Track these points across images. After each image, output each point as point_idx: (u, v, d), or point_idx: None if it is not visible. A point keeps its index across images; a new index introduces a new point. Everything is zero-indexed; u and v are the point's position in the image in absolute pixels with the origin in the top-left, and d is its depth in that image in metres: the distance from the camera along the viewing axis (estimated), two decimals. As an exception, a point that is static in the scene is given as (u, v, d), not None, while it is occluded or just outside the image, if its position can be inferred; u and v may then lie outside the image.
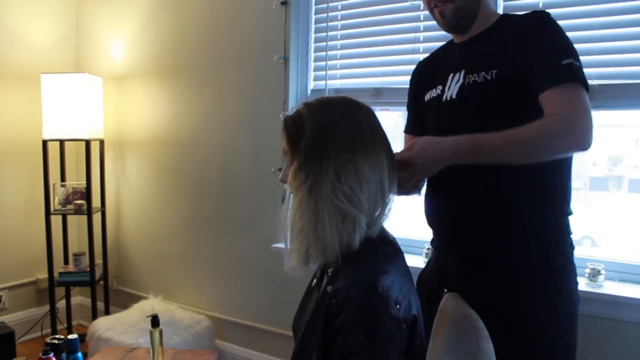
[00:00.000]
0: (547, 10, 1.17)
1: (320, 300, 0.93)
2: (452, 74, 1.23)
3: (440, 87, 1.26)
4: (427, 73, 1.37)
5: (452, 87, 1.22)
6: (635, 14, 1.56)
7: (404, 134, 1.46)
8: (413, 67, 1.62)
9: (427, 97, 1.31)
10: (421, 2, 1.92)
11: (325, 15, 2.16)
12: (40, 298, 2.87)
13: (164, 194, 2.72)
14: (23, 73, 2.74)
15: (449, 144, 1.04)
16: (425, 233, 2.04)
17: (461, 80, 1.20)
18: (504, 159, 1.04)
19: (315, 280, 1.08)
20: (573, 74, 1.06)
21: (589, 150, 1.04)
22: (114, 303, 2.85)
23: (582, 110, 1.03)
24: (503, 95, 1.12)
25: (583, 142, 1.02)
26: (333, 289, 0.88)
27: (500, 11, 1.75)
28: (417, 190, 1.18)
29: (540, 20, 1.14)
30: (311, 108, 0.96)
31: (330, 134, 0.91)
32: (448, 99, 1.22)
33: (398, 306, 0.84)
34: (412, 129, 1.41)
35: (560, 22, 1.73)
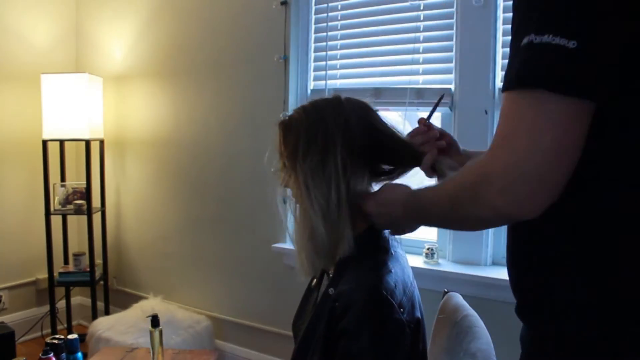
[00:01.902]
0: None
1: (321, 302, 0.93)
2: None
3: None
4: None
5: None
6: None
7: None
8: (413, 67, 1.62)
9: None
10: (421, 2, 1.93)
11: (325, 15, 2.16)
12: (40, 298, 2.87)
13: (164, 194, 2.72)
14: (23, 73, 2.74)
15: (400, 197, 0.85)
16: (425, 233, 2.05)
17: None
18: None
19: (315, 280, 1.08)
20: (522, 70, 0.55)
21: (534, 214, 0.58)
22: (114, 303, 2.85)
23: (512, 145, 0.56)
24: None
25: (503, 206, 0.58)
26: (336, 292, 0.88)
27: (500, 12, 1.75)
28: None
29: None
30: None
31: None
32: None
33: (402, 310, 0.84)
34: None
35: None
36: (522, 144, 0.55)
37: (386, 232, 0.98)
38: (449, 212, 0.70)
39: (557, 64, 0.52)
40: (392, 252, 0.94)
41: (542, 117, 0.53)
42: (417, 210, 0.81)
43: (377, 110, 0.99)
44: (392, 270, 0.88)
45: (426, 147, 0.95)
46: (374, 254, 0.92)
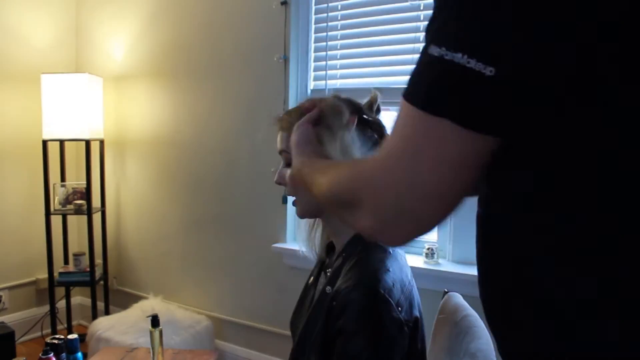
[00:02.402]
0: None
1: (319, 300, 0.93)
2: None
3: None
4: None
5: None
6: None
7: None
8: (413, 67, 1.61)
9: None
10: (421, 2, 1.93)
11: (325, 15, 2.16)
12: (40, 298, 2.87)
13: (164, 194, 2.72)
14: (23, 73, 2.74)
15: (298, 142, 0.88)
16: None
17: None
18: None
19: (312, 278, 1.08)
20: (431, 91, 0.47)
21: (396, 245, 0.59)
22: (114, 303, 2.85)
23: (397, 166, 0.49)
24: None
25: (367, 227, 0.54)
26: (333, 291, 0.88)
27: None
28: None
29: None
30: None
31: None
32: None
33: (400, 308, 0.84)
34: None
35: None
36: (408, 170, 0.48)
37: None
38: (326, 199, 0.65)
39: (470, 94, 0.44)
40: (390, 250, 0.94)
41: (440, 148, 0.46)
42: (306, 172, 0.75)
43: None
44: (390, 269, 0.88)
45: None
46: (372, 253, 0.92)
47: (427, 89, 0.47)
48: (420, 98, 0.47)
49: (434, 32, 0.47)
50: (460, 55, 0.43)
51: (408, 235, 0.52)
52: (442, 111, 0.45)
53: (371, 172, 0.53)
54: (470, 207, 1.84)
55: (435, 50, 0.45)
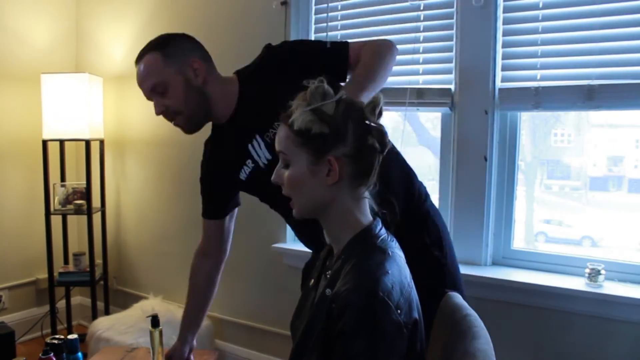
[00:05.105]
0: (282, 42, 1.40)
1: (319, 303, 0.93)
2: (249, 144, 1.32)
3: (249, 160, 1.34)
4: (220, 161, 1.45)
5: (260, 152, 1.31)
6: (635, 14, 1.56)
7: (203, 218, 1.60)
8: (413, 67, 1.61)
9: (242, 176, 1.39)
10: (421, 2, 1.93)
11: (325, 15, 2.16)
12: (40, 298, 2.87)
13: (164, 194, 2.72)
14: (23, 73, 2.74)
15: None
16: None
17: (262, 142, 1.29)
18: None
19: (312, 281, 1.08)
20: (339, 44, 1.36)
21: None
22: (114, 303, 2.85)
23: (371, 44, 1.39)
24: None
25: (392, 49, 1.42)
26: (333, 293, 0.88)
27: (500, 12, 1.75)
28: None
29: (284, 50, 1.38)
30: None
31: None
32: (266, 162, 1.30)
33: (399, 311, 0.84)
34: (214, 213, 1.60)
35: (560, 22, 1.74)
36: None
37: (383, 233, 0.98)
38: (384, 73, 1.32)
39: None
40: (390, 252, 0.93)
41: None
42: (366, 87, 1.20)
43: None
44: (389, 272, 0.88)
45: None
46: (371, 255, 0.92)
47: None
48: None
49: None
50: None
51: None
52: None
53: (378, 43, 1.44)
54: (469, 209, 1.85)
55: None
